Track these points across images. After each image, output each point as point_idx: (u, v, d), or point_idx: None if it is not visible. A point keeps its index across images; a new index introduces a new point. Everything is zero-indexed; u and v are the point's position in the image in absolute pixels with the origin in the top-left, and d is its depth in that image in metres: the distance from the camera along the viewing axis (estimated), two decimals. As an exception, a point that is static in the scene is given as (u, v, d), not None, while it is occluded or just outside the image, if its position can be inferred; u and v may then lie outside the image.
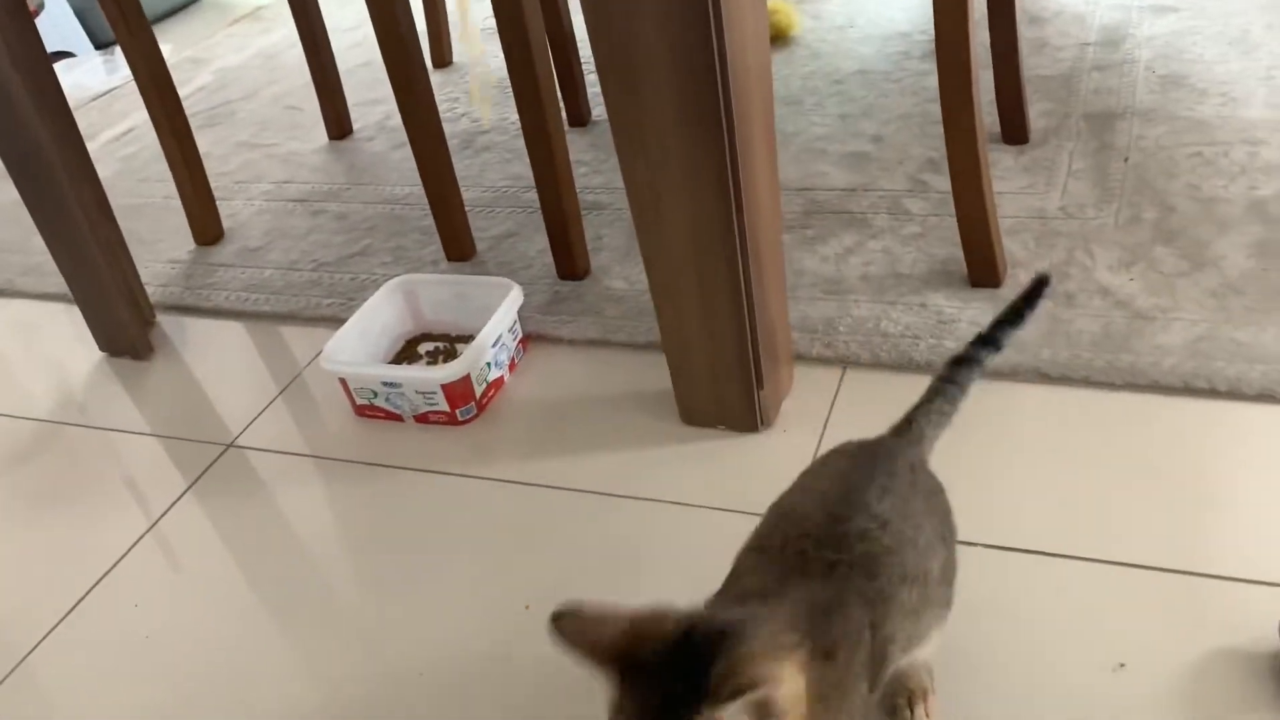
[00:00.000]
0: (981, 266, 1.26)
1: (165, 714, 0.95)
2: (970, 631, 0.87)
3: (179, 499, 1.21)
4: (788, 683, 0.54)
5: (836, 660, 0.62)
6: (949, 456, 0.89)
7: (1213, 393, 1.06)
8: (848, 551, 0.68)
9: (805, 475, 0.80)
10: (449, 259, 1.54)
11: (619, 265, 1.45)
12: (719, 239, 0.99)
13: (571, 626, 0.57)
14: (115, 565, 1.12)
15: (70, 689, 0.99)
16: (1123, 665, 0.84)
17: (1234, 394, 1.06)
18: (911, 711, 0.82)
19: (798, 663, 0.57)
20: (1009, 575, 0.93)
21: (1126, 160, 1.47)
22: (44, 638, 1.05)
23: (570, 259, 1.43)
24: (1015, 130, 1.54)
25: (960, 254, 1.27)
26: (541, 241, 1.47)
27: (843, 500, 0.72)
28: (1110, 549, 0.93)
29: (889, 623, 0.68)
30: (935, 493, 0.78)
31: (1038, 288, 0.88)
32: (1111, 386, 1.10)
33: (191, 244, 1.71)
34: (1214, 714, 0.80)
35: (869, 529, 0.69)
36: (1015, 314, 0.87)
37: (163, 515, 1.19)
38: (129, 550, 1.14)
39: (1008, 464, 1.04)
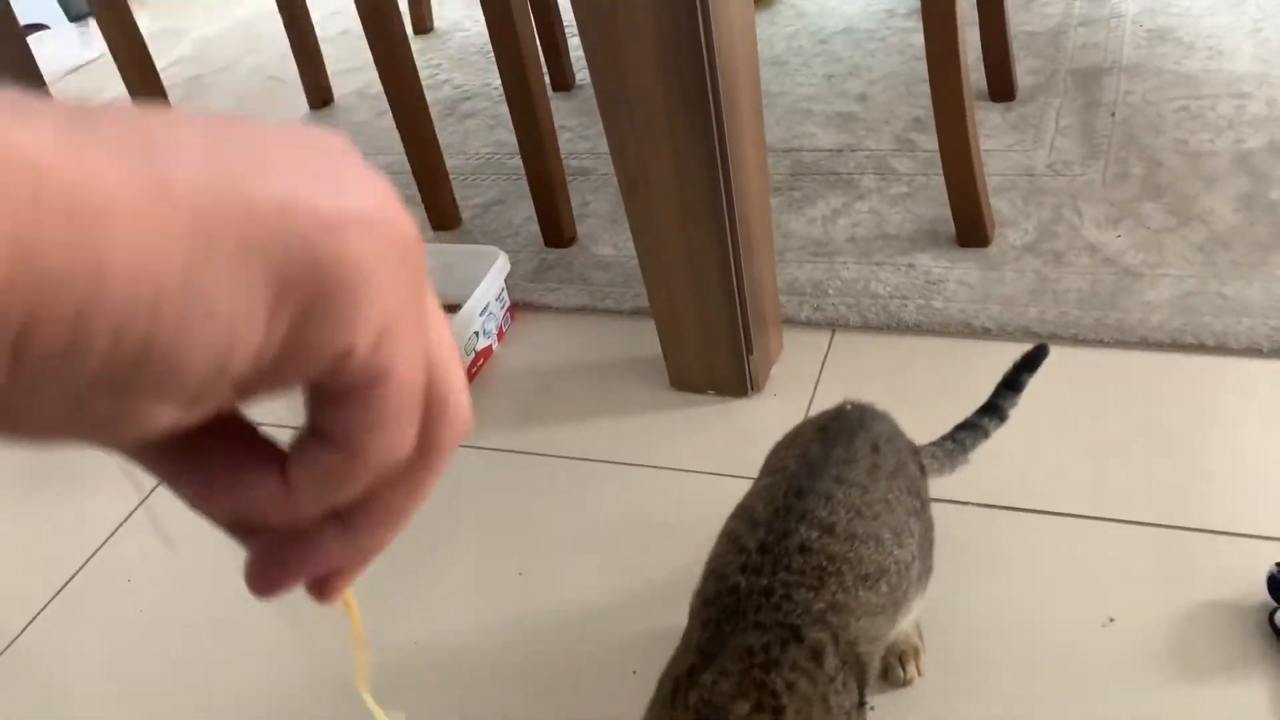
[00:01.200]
0: (969, 226, 1.25)
1: (160, 688, 0.95)
2: (961, 588, 0.88)
3: (169, 475, 1.20)
4: None
5: (786, 712, 0.61)
6: (939, 417, 0.90)
7: (1200, 348, 1.06)
8: (785, 571, 0.66)
9: (759, 476, 0.78)
10: (434, 228, 1.52)
11: (606, 231, 1.44)
12: (706, 204, 0.98)
13: None
14: (107, 541, 1.12)
15: (64, 666, 1.00)
16: (1112, 620, 0.85)
17: (1221, 348, 1.06)
18: (904, 669, 0.83)
19: None
20: (999, 532, 0.93)
21: (1114, 116, 1.46)
22: (36, 615, 1.05)
23: (557, 226, 1.42)
24: (1002, 87, 1.53)
25: (948, 213, 1.27)
26: (527, 209, 1.46)
27: (784, 512, 0.69)
28: (1099, 505, 0.94)
29: (851, 629, 0.66)
30: (901, 469, 0.76)
31: (1036, 356, 0.89)
32: (1100, 344, 1.10)
33: (173, 218, 1.70)
34: (1202, 667, 0.81)
35: (810, 539, 0.67)
36: (1013, 382, 0.88)
37: (153, 490, 1.18)
38: (120, 526, 1.14)
39: (997, 423, 1.04)
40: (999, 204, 1.32)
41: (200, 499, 0.22)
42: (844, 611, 0.66)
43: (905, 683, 0.83)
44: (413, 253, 0.21)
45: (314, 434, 0.21)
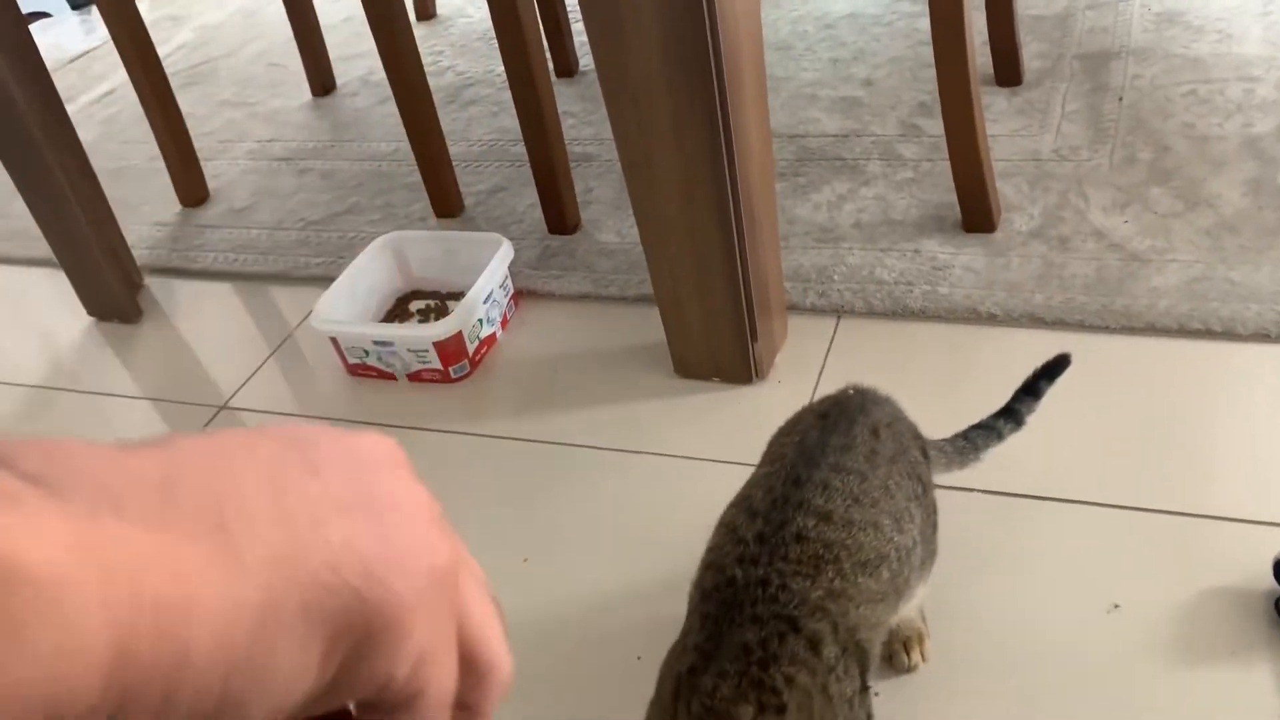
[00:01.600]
0: (975, 211, 1.25)
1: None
2: (965, 575, 0.88)
3: (174, 462, 1.20)
4: None
5: (789, 709, 0.61)
6: (944, 404, 0.89)
7: (1208, 334, 1.06)
8: (781, 561, 0.66)
9: (760, 464, 0.78)
10: (437, 215, 1.52)
11: (609, 218, 1.43)
12: (710, 191, 0.98)
13: None
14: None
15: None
16: (1117, 606, 0.85)
17: (1229, 334, 1.05)
18: (908, 655, 0.83)
19: None
20: (1004, 520, 0.93)
21: (1121, 100, 1.45)
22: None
23: (560, 213, 1.41)
24: (1009, 72, 1.51)
25: (954, 199, 1.26)
26: (531, 196, 1.46)
27: (782, 502, 0.69)
28: (1106, 492, 0.93)
29: (851, 615, 0.66)
30: (902, 454, 0.76)
31: (1058, 364, 0.88)
32: (1106, 330, 1.09)
33: (177, 206, 1.69)
34: (1207, 652, 0.81)
35: (807, 528, 0.67)
36: (1032, 388, 0.88)
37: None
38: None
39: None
40: (1005, 189, 1.31)
41: None
42: (843, 598, 0.66)
43: (909, 669, 0.83)
44: (448, 579, 0.24)
45: None
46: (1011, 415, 0.88)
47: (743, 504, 0.73)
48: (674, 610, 0.71)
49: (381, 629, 0.21)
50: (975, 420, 0.91)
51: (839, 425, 0.74)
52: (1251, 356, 1.03)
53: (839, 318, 1.19)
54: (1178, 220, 1.21)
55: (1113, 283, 1.14)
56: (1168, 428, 0.98)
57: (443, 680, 0.23)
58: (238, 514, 0.20)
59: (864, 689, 0.67)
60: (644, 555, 0.96)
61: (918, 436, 0.81)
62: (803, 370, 1.12)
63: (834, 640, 0.64)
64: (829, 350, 1.15)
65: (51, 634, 0.16)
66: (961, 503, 0.93)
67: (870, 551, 0.68)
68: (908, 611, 0.78)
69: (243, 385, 1.30)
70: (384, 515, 0.23)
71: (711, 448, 1.06)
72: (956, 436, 0.88)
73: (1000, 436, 0.88)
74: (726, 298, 1.06)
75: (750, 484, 0.76)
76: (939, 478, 0.83)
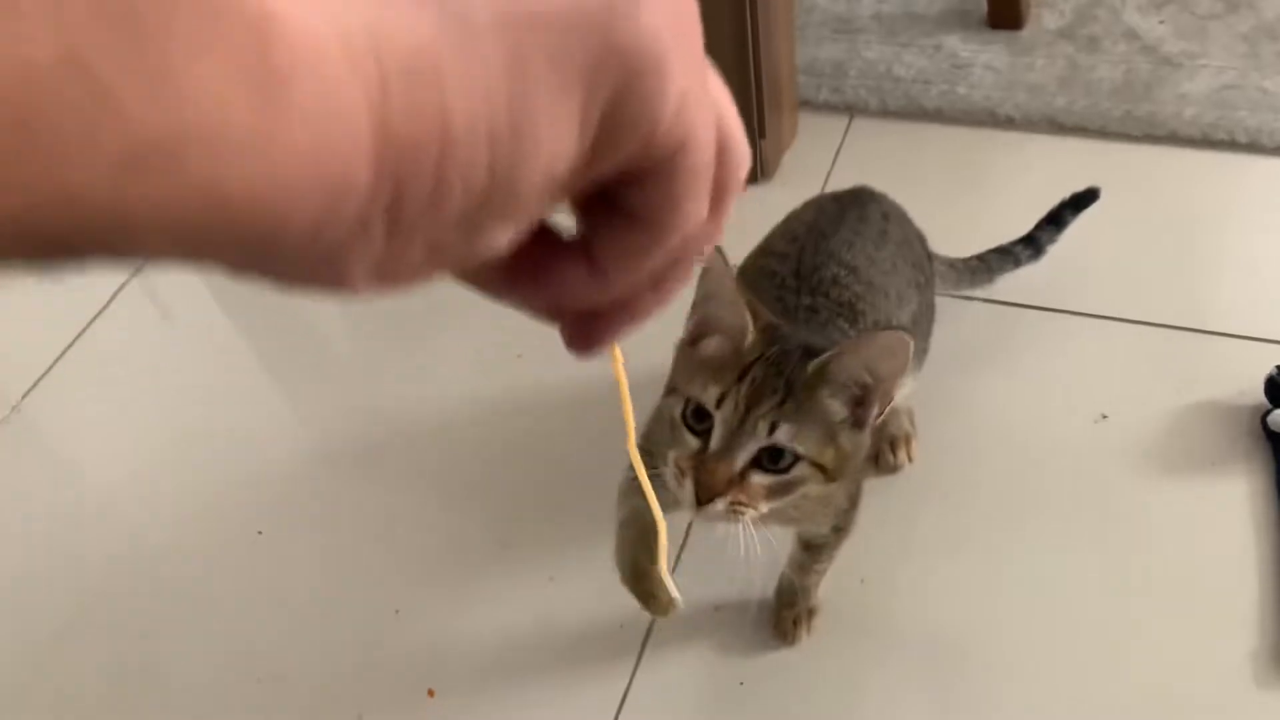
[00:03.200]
0: (1002, 5, 1.17)
1: (161, 457, 0.97)
2: (959, 380, 0.88)
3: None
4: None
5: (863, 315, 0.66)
6: (954, 211, 0.87)
7: (1232, 145, 1.02)
8: (823, 297, 0.68)
9: (773, 231, 0.78)
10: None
11: None
12: (723, -33, 0.91)
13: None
14: (103, 310, 1.12)
15: (66, 433, 1.01)
16: (1105, 416, 0.85)
17: (1253, 146, 1.02)
18: (894, 455, 0.84)
19: None
20: (1002, 328, 0.93)
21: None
22: (36, 382, 1.06)
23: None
24: None
25: (981, -9, 1.18)
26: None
27: (812, 249, 0.71)
28: (1107, 304, 0.92)
29: None
30: (907, 243, 0.77)
31: (1087, 196, 0.87)
32: (1128, 138, 1.05)
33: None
34: (1189, 464, 0.82)
35: (839, 275, 0.69)
36: (1057, 218, 0.87)
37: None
38: (116, 294, 1.13)
39: (1010, 217, 1.01)
40: (1037, -18, 1.23)
41: (525, 296, 0.24)
42: None
43: (895, 468, 0.84)
44: (692, 9, 0.21)
45: (614, 217, 0.22)
46: (1032, 243, 0.88)
47: (766, 252, 0.74)
48: (668, 405, 0.71)
49: (638, 72, 0.19)
50: (982, 227, 0.89)
51: (853, 205, 0.76)
52: (1273, 171, 1.00)
53: (851, 116, 1.14)
54: (1216, 23, 1.14)
55: (1140, 88, 1.08)
56: (1177, 241, 0.96)
57: (707, 127, 0.22)
58: None
59: None
60: (639, 352, 0.96)
61: (922, 238, 0.80)
62: (810, 171, 1.09)
63: None
64: (839, 151, 1.11)
65: (314, 91, 0.16)
66: (961, 310, 0.93)
67: (881, 314, 0.70)
68: (898, 402, 0.79)
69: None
70: None
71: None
72: (972, 258, 0.87)
73: (1017, 263, 0.88)
74: (735, 89, 0.99)
75: (767, 243, 0.77)
76: (951, 293, 0.83)
